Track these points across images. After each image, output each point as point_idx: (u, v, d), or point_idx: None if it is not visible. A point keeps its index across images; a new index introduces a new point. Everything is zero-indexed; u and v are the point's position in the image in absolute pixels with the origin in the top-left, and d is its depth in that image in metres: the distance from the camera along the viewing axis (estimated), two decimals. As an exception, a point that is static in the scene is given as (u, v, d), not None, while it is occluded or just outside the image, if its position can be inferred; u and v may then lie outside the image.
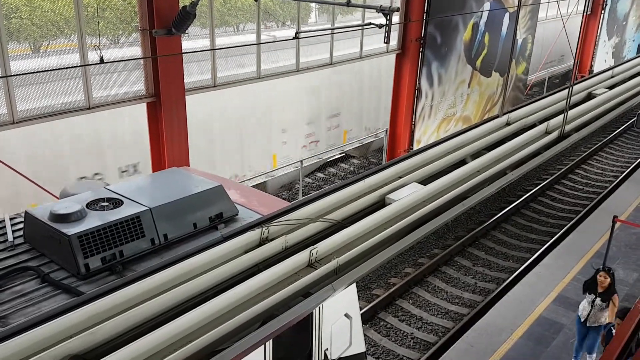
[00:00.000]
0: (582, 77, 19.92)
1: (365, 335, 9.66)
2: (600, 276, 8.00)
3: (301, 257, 5.39)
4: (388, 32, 11.37)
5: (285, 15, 14.47)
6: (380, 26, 10.95)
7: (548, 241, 13.18)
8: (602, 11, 25.04)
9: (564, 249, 11.49)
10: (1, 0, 8.29)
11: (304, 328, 5.37)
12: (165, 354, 4.07)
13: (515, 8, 16.75)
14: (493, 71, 18.74)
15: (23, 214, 5.46)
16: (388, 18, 11.00)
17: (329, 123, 15.68)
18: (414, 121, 16.07)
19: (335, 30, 13.07)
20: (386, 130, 16.48)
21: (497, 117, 10.23)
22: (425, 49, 15.36)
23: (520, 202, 15.32)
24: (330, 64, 13.93)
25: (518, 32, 18.84)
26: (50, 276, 4.74)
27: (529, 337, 8.81)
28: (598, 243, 11.67)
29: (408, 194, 7.01)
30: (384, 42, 11.35)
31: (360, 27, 13.38)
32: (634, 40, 30.21)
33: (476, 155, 8.98)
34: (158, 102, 9.89)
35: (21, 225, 5.50)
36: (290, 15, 14.52)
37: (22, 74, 8.37)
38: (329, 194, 6.53)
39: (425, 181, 7.70)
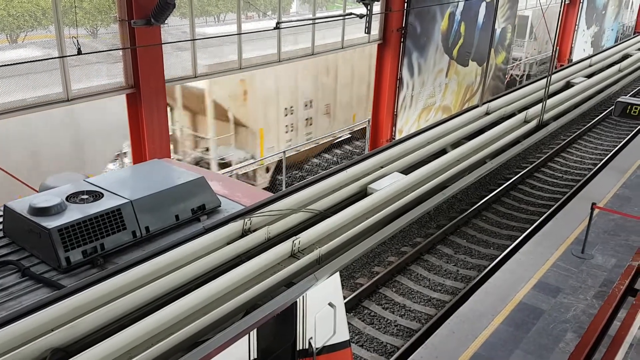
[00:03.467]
0: (561, 66, 20.12)
1: (349, 323, 9.74)
2: None
3: (284, 248, 5.42)
4: (369, 22, 11.39)
5: (266, 4, 14.38)
6: (361, 16, 10.97)
7: (528, 228, 13.37)
8: (581, 0, 25.28)
9: (543, 236, 11.66)
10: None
11: (288, 317, 5.40)
12: (147, 345, 4.07)
13: (494, -3, 16.88)
14: (470, 60, 18.84)
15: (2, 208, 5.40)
16: (369, 8, 11.02)
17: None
18: (396, 111, 16.14)
19: (317, 20, 13.04)
20: (368, 121, 16.53)
21: (476, 106, 10.33)
22: (406, 39, 15.40)
23: (501, 190, 15.49)
24: (312, 54, 13.90)
25: (497, 21, 18.96)
26: (31, 270, 4.70)
27: (509, 323, 8.95)
28: (577, 229, 11.86)
29: (389, 184, 7.07)
30: (365, 32, 11.37)
31: (341, 17, 13.36)
32: (612, 29, 30.57)
33: (456, 144, 9.08)
34: (138, 94, 9.80)
35: (0, 219, 5.44)
36: (271, 5, 14.44)
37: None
38: (311, 185, 6.56)
39: (406, 171, 7.78)
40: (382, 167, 7.67)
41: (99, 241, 4.93)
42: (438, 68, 17.34)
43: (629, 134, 20.50)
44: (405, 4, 15.03)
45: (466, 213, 14.00)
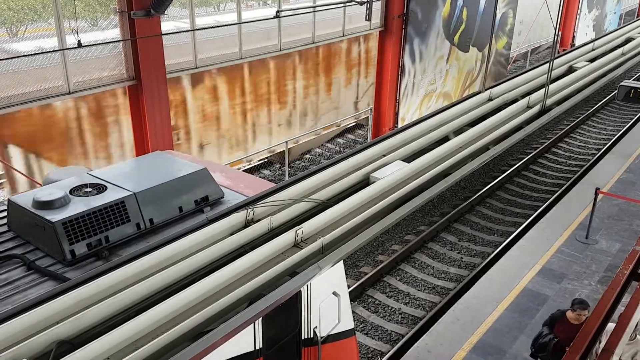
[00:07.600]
0: (563, 50, 19.99)
1: (354, 312, 9.77)
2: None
3: (287, 238, 5.43)
4: (369, 8, 11.32)
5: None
6: (361, 3, 10.90)
7: (532, 214, 13.35)
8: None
9: (547, 222, 11.65)
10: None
11: (293, 307, 5.43)
12: (153, 336, 4.10)
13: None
14: (471, 46, 18.73)
15: (6, 202, 5.42)
16: (369, -5, 10.95)
17: None
18: (398, 99, 16.08)
19: (317, 8, 12.98)
20: (371, 109, 16.48)
21: (479, 93, 10.28)
22: (407, 26, 15.31)
23: (505, 176, 15.46)
24: (313, 42, 13.85)
25: (498, 6, 18.81)
26: (36, 263, 4.73)
27: (514, 309, 8.97)
28: (581, 215, 11.85)
29: (392, 172, 7.06)
30: (366, 20, 11.31)
31: (342, 5, 13.28)
32: (614, 13, 30.33)
33: (459, 131, 9.05)
34: (139, 85, 9.79)
35: (4, 214, 5.47)
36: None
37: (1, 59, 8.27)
38: (313, 174, 6.56)
39: (409, 159, 7.76)
40: (384, 156, 7.66)
41: (104, 234, 4.96)
42: (439, 54, 17.25)
43: (633, 118, 20.40)
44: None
45: (470, 200, 13.99)
